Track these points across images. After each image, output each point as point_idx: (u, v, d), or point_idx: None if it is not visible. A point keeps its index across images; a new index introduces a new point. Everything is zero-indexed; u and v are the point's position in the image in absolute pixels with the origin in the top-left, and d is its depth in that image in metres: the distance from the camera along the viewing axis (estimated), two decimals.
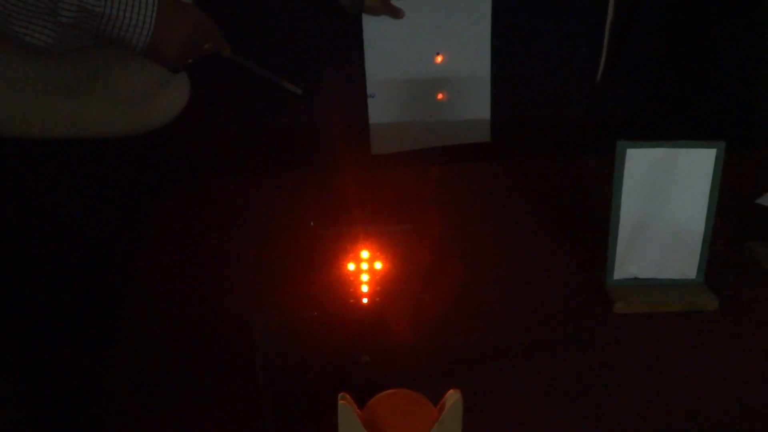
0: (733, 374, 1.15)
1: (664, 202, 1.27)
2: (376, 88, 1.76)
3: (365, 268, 1.02)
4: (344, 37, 1.76)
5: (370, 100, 1.78)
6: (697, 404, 1.09)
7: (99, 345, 1.37)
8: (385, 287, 1.03)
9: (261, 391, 1.07)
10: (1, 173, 1.41)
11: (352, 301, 1.03)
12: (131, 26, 1.20)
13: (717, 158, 1.25)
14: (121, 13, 1.18)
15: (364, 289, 1.03)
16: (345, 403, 0.80)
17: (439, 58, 1.82)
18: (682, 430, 1.04)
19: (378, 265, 1.01)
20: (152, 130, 1.48)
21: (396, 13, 1.69)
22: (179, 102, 1.53)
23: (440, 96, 1.86)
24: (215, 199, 1.64)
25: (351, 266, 1.02)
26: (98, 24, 1.18)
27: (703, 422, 1.05)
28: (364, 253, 1.01)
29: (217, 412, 1.06)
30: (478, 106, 1.87)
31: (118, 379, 1.15)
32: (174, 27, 1.23)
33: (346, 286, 1.03)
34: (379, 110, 1.78)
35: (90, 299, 1.47)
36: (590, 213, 1.43)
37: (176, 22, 1.23)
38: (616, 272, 1.30)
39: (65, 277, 1.46)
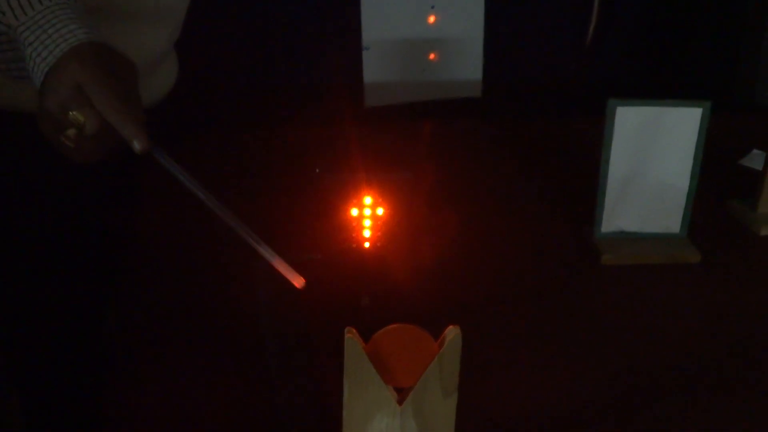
0: (712, 321, 1.20)
1: (651, 158, 1.32)
2: (371, 40, 1.78)
3: (368, 213, 1.05)
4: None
5: (365, 53, 1.79)
6: (678, 349, 1.14)
7: (101, 294, 1.40)
8: (386, 233, 1.06)
9: (264, 333, 1.11)
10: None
11: (354, 245, 1.07)
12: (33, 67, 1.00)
13: (703, 117, 1.30)
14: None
15: (366, 234, 1.07)
16: (351, 336, 0.85)
17: (431, 18, 1.84)
18: (664, 372, 1.10)
19: (380, 212, 1.05)
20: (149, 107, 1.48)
21: None
22: (172, 78, 1.53)
23: (432, 56, 1.89)
24: (216, 149, 1.67)
25: (354, 212, 1.05)
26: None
27: (683, 366, 1.11)
28: (367, 200, 1.05)
29: (221, 355, 1.09)
30: (471, 66, 1.90)
31: (120, 330, 1.18)
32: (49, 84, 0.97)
33: (349, 231, 1.07)
34: (374, 63, 1.80)
35: (91, 250, 1.49)
36: (579, 170, 1.48)
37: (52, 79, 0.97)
38: (603, 225, 1.35)
39: (65, 232, 1.48)
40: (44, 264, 1.45)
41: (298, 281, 0.93)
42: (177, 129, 1.70)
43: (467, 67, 1.90)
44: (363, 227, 1.06)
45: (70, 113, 0.95)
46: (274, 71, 1.92)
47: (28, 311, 1.48)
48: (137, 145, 0.95)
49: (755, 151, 1.69)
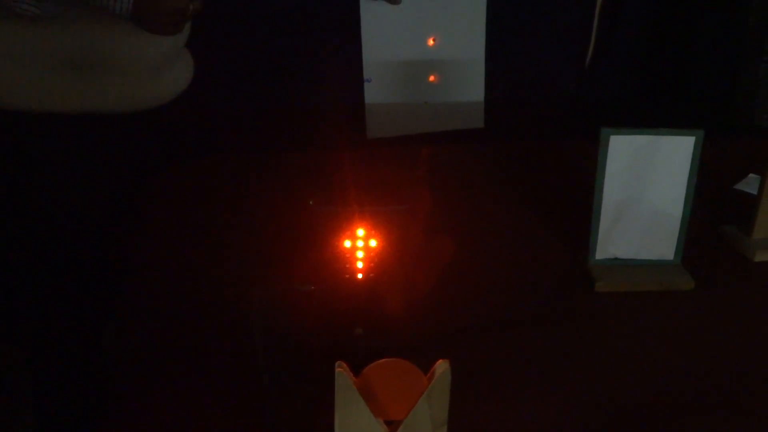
0: (705, 349, 1.21)
1: (645, 186, 1.33)
2: (373, 72, 1.79)
3: (360, 245, 1.07)
4: (342, 21, 1.79)
5: (366, 85, 1.81)
6: (671, 376, 1.15)
7: (98, 318, 1.41)
8: (379, 264, 1.08)
9: (260, 362, 1.12)
10: (5, 148, 1.43)
11: (347, 276, 1.08)
12: None
13: (696, 145, 1.31)
14: None
15: (359, 265, 1.08)
16: (341, 371, 0.86)
17: (431, 41, 1.86)
18: (656, 400, 1.10)
19: (373, 243, 1.06)
20: (157, 106, 1.50)
21: None
22: (184, 78, 1.55)
23: (431, 78, 1.90)
24: (212, 176, 1.68)
25: (347, 244, 1.07)
26: None
27: (676, 393, 1.12)
28: (360, 232, 1.06)
29: (216, 384, 1.10)
30: (472, 90, 1.91)
31: (117, 355, 1.19)
32: None
33: (342, 263, 1.08)
34: (375, 94, 1.81)
35: (90, 273, 1.51)
36: (575, 195, 1.49)
37: None
38: (598, 252, 1.36)
39: (66, 250, 1.50)
40: (48, 270, 1.47)
41: None
42: (181, 151, 1.72)
43: (469, 89, 1.91)
44: (356, 259, 1.07)
45: None
46: (275, 98, 1.94)
47: (32, 317, 1.50)
48: None
49: (751, 175, 1.70)
